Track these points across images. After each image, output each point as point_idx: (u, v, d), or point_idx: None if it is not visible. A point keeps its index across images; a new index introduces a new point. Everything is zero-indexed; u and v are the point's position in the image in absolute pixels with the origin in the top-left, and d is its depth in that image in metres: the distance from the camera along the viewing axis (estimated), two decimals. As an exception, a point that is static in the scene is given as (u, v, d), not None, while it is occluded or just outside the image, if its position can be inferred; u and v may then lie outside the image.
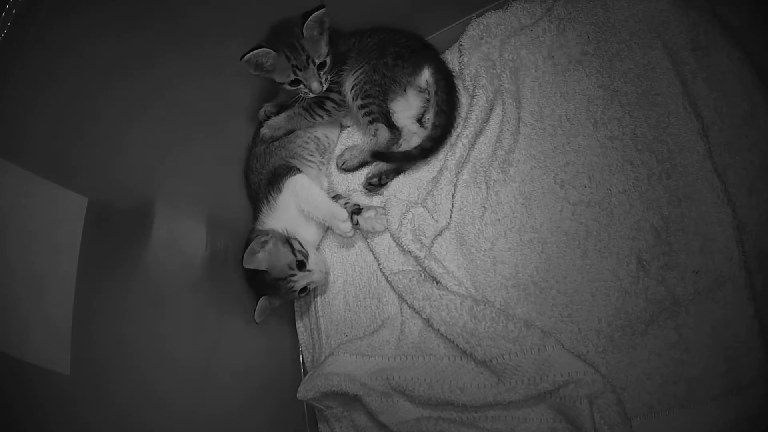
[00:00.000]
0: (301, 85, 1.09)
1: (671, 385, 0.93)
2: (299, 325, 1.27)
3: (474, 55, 1.18)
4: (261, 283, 1.10)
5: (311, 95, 1.11)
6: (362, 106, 1.14)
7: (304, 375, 1.22)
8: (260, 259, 1.07)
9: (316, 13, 1.02)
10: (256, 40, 1.09)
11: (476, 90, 1.14)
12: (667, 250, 0.97)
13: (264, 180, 1.16)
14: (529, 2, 1.20)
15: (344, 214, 1.09)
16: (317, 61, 1.08)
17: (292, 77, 1.08)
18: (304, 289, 1.11)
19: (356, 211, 1.13)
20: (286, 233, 1.12)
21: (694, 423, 0.91)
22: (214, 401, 0.96)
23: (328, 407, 1.10)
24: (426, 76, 1.16)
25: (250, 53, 1.02)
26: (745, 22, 1.04)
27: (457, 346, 0.99)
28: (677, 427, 0.92)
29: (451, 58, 1.25)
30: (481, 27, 1.20)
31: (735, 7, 1.05)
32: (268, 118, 1.23)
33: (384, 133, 1.14)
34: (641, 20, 1.08)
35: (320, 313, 1.20)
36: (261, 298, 1.11)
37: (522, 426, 0.97)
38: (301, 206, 1.12)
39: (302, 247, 1.11)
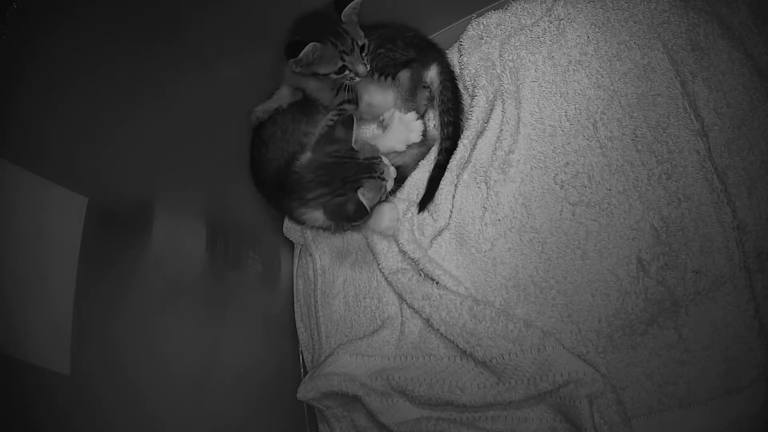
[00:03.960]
0: (347, 71, 1.08)
1: (671, 385, 0.93)
2: (299, 325, 1.27)
3: (474, 56, 1.17)
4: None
5: (357, 80, 1.11)
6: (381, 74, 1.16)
7: (304, 375, 1.22)
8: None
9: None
10: (254, 39, 1.09)
11: (476, 90, 1.14)
12: (667, 251, 0.97)
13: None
14: (529, 2, 1.19)
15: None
16: (360, 43, 1.08)
17: (340, 64, 1.07)
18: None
19: None
20: None
21: (694, 423, 0.92)
22: (213, 401, 0.96)
23: (328, 407, 1.10)
24: (433, 73, 1.15)
25: (304, 51, 1.00)
26: (745, 22, 1.04)
27: (457, 346, 0.99)
28: (677, 427, 0.92)
29: (450, 58, 1.24)
30: (481, 27, 1.20)
31: (735, 7, 1.05)
32: (259, 122, 1.21)
33: (404, 79, 1.14)
34: (641, 21, 1.08)
35: (320, 313, 1.20)
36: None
37: (522, 426, 0.97)
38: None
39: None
